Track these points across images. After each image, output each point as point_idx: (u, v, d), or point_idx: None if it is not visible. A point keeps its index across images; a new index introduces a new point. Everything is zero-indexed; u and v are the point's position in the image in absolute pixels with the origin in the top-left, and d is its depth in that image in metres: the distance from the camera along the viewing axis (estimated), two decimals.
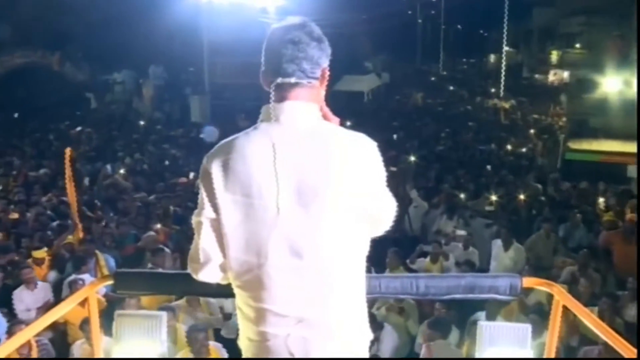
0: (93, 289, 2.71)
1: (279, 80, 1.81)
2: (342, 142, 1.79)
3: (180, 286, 2.78)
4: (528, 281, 2.46)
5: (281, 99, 1.82)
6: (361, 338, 1.89)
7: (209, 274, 1.89)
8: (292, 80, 1.81)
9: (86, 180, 11.75)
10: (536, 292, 6.19)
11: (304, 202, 1.74)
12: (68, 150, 8.19)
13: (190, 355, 5.42)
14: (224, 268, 1.86)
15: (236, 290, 1.87)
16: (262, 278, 1.77)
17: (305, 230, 1.75)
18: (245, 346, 1.88)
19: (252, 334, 1.83)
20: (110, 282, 2.69)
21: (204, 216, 1.82)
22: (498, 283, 2.39)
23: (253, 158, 1.76)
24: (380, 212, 1.90)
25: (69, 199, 8.21)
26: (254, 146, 1.78)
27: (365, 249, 1.87)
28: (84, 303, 2.79)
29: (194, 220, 1.86)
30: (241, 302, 1.86)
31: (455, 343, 5.97)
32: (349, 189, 1.76)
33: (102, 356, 2.95)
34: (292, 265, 1.75)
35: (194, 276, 1.93)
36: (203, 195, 1.81)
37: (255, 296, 1.80)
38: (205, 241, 1.84)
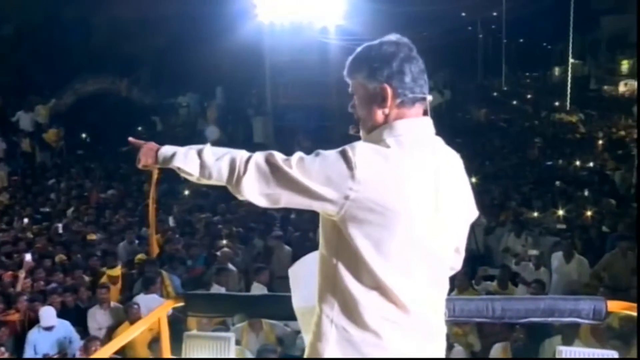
0: (164, 311, 2.74)
1: (410, 95, 1.87)
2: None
3: (251, 308, 2.78)
4: (614, 305, 2.33)
5: (416, 114, 1.88)
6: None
7: None
8: (426, 95, 1.90)
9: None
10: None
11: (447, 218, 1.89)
12: (156, 171, 8.40)
13: None
14: None
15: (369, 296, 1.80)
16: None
17: (441, 239, 1.88)
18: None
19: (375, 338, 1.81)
20: (181, 303, 2.71)
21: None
22: (580, 306, 2.27)
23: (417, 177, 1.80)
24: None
25: (150, 219, 8.38)
26: (416, 164, 1.80)
27: None
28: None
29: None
30: (371, 311, 1.81)
31: None
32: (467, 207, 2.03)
33: None
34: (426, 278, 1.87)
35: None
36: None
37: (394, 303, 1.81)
38: None
